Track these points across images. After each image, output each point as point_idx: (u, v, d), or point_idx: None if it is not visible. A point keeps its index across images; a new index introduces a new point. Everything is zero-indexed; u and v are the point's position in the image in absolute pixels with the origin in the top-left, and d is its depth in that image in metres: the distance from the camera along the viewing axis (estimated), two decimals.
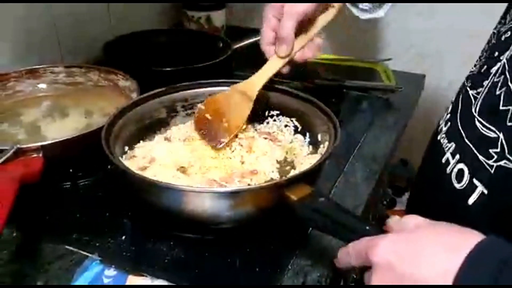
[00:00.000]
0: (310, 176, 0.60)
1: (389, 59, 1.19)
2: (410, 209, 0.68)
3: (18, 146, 0.63)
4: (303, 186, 0.56)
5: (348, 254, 0.46)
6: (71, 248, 0.61)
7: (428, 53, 1.30)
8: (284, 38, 0.69)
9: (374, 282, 0.42)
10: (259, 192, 0.58)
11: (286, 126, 0.79)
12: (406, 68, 1.19)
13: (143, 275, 0.56)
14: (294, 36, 0.69)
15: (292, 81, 0.97)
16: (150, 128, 0.77)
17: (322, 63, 1.21)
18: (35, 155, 0.64)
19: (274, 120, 0.80)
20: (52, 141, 0.66)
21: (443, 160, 0.56)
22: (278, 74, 0.75)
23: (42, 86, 0.89)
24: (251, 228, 0.63)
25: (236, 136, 0.73)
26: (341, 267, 0.48)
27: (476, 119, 0.52)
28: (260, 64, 0.75)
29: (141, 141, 0.74)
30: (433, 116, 1.36)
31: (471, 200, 0.50)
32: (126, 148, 0.71)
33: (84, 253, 0.60)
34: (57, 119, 0.83)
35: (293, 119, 0.78)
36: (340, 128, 0.67)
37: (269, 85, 0.76)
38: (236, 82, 0.77)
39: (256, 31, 1.11)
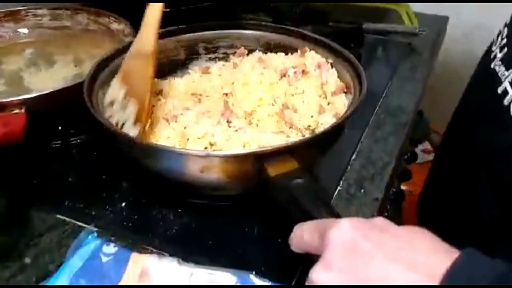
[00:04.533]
0: (296, 150, 0.49)
1: None
2: (447, 150, 0.63)
3: None
4: (289, 160, 0.48)
5: (303, 231, 0.39)
6: (63, 217, 0.57)
7: None
8: None
9: (326, 257, 0.35)
10: (229, 161, 0.50)
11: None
12: (427, 10, 1.11)
13: (148, 252, 0.50)
14: None
15: (305, 25, 0.91)
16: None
17: (337, 4, 1.12)
18: (17, 111, 0.60)
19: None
20: (37, 94, 0.63)
21: (499, 91, 0.52)
22: None
23: (24, 31, 0.85)
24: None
25: (151, 112, 0.61)
26: (295, 250, 0.41)
27: None
28: None
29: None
30: (455, 63, 1.29)
31: None
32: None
33: (79, 223, 0.56)
34: (42, 69, 0.79)
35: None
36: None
37: (287, 28, 0.70)
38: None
39: None
